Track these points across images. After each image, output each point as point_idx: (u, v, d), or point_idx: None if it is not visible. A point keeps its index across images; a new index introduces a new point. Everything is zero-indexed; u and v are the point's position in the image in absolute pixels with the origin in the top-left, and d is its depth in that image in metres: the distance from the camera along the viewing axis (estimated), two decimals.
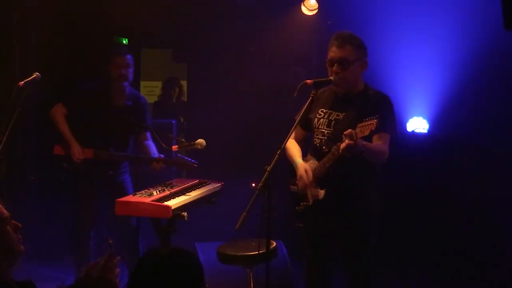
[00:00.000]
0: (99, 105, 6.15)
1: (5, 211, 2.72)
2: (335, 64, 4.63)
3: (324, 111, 4.80)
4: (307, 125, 4.89)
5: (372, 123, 4.20)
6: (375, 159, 4.62)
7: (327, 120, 4.75)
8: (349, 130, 4.30)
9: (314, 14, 7.87)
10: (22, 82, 5.61)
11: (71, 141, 6.09)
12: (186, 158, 5.84)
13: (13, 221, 2.76)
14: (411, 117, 7.47)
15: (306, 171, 4.69)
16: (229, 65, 8.05)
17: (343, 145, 4.32)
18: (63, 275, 6.86)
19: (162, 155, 5.92)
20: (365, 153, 4.41)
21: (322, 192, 4.65)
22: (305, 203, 4.76)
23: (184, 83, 8.98)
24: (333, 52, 4.66)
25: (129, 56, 6.18)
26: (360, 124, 4.26)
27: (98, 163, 6.10)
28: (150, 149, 6.13)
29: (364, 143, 4.39)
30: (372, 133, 4.30)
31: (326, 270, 4.91)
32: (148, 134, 6.20)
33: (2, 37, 7.73)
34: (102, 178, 6.15)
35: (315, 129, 4.80)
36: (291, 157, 4.84)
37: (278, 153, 4.12)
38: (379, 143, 4.57)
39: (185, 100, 8.92)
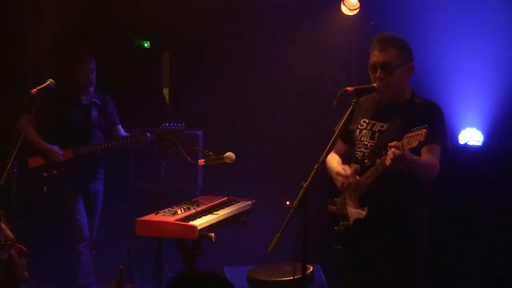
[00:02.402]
0: (67, 105, 6.78)
1: (10, 233, 2.70)
2: (378, 69, 4.61)
3: (367, 121, 4.78)
4: (348, 138, 4.87)
5: (421, 133, 4.17)
6: (425, 174, 4.58)
7: (370, 131, 4.73)
8: (395, 142, 4.28)
9: (355, 14, 7.86)
10: (35, 89, 5.69)
11: (47, 147, 6.66)
12: (171, 124, 6.23)
13: (17, 245, 2.73)
14: (464, 128, 7.42)
15: (344, 169, 4.67)
16: (261, 71, 8.06)
17: (389, 155, 4.27)
18: None
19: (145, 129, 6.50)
20: (415, 168, 4.38)
21: (363, 211, 4.63)
22: (344, 222, 4.74)
23: None
24: (375, 56, 4.65)
25: (93, 61, 6.81)
26: (408, 135, 4.23)
27: (80, 160, 6.70)
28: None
29: (415, 157, 4.36)
30: (421, 144, 4.27)
31: None
32: (120, 127, 7.03)
33: (14, 42, 7.82)
34: (88, 176, 6.84)
35: (357, 142, 4.78)
36: (328, 165, 4.78)
37: (315, 167, 4.12)
38: (428, 156, 4.54)
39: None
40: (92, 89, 6.86)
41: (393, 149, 4.26)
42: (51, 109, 6.66)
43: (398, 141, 4.26)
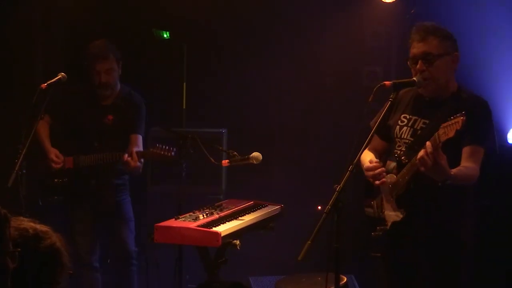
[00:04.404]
0: (83, 106, 6.43)
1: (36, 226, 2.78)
2: (419, 61, 4.60)
3: (408, 117, 4.76)
4: (386, 134, 4.85)
5: (458, 121, 4.14)
6: (460, 184, 4.54)
7: (411, 128, 4.71)
8: (428, 143, 4.25)
9: (393, 1, 7.83)
10: (45, 84, 5.72)
11: (47, 149, 6.37)
12: (163, 146, 6.03)
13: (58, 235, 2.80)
14: None
15: (370, 161, 4.66)
16: (290, 64, 8.05)
17: (420, 154, 4.27)
18: None
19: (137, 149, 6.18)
20: (449, 181, 4.35)
21: (401, 213, 4.61)
22: (382, 227, 4.73)
23: None
24: (415, 47, 4.65)
25: (111, 57, 6.37)
26: (444, 124, 4.22)
27: (79, 172, 6.36)
28: None
29: (452, 173, 4.32)
30: (462, 142, 4.25)
31: None
32: (138, 137, 6.41)
33: (22, 30, 7.86)
34: (87, 190, 6.38)
35: (397, 139, 4.75)
36: (362, 164, 4.75)
37: (350, 169, 4.11)
38: (468, 161, 4.49)
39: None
40: (117, 88, 6.46)
41: (423, 150, 4.24)
42: (68, 110, 6.43)
43: (429, 142, 4.25)
